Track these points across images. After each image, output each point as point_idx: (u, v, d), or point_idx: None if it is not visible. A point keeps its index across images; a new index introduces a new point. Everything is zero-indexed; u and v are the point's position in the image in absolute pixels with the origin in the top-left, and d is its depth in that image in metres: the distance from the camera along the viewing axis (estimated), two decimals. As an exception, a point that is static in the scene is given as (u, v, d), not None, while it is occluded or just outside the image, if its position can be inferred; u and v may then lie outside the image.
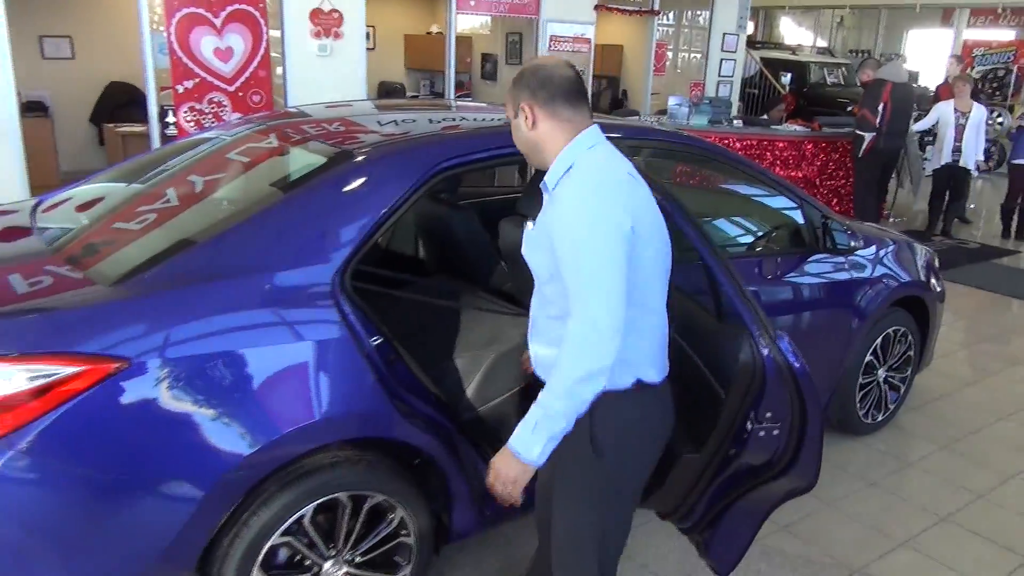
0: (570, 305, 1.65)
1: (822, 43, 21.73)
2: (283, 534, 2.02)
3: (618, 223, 1.64)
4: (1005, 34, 14.94)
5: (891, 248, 3.59)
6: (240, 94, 6.87)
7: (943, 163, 7.82)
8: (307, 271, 2.01)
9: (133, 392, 1.78)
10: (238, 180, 2.44)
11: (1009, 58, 12.75)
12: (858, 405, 3.63)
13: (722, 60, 10.32)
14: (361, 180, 2.14)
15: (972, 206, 9.32)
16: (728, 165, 3.11)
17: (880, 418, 3.79)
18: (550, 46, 8.66)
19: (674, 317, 1.87)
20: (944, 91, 9.25)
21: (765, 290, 3.03)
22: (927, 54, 19.57)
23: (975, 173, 8.00)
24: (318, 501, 2.05)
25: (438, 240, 3.28)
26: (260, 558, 1.99)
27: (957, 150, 7.74)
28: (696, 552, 2.31)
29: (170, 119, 6.73)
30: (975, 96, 8.33)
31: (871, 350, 3.56)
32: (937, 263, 3.97)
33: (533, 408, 1.69)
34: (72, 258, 2.13)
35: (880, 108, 7.10)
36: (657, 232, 1.75)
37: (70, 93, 8.91)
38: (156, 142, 6.70)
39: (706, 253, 2.01)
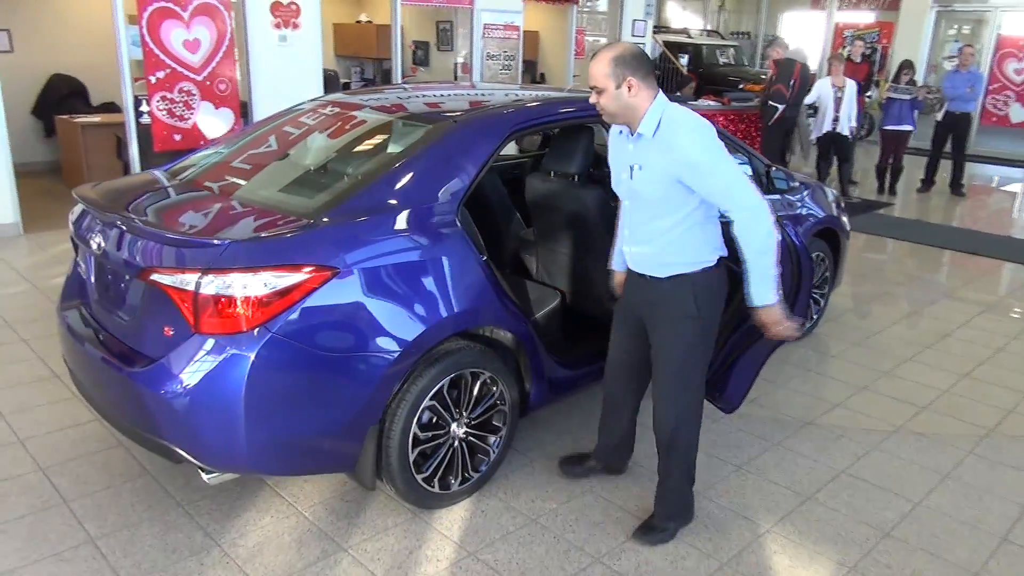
0: (724, 204, 2.44)
1: (707, 25, 23.19)
2: (430, 399, 2.77)
3: (721, 143, 2.46)
4: (866, 16, 16.76)
5: (812, 190, 4.62)
6: (208, 83, 7.30)
7: (824, 131, 9.10)
8: (442, 205, 2.76)
9: (342, 292, 2.50)
10: (366, 142, 3.14)
11: (875, 38, 14.41)
12: (792, 315, 4.65)
13: (633, 44, 11.36)
14: (470, 139, 2.90)
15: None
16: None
17: (807, 326, 4.84)
18: (484, 33, 9.42)
19: None
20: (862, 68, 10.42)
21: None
22: (800, 34, 21.45)
23: (850, 137, 9.30)
24: (451, 376, 2.81)
25: None
26: (416, 416, 2.74)
27: (836, 119, 9.02)
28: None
29: (144, 108, 7.09)
30: (871, 73, 9.63)
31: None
32: (843, 203, 5.05)
33: (752, 275, 2.49)
34: (266, 204, 2.81)
35: (791, 83, 8.29)
36: None
37: (11, 86, 8.93)
38: (132, 130, 7.05)
39: None
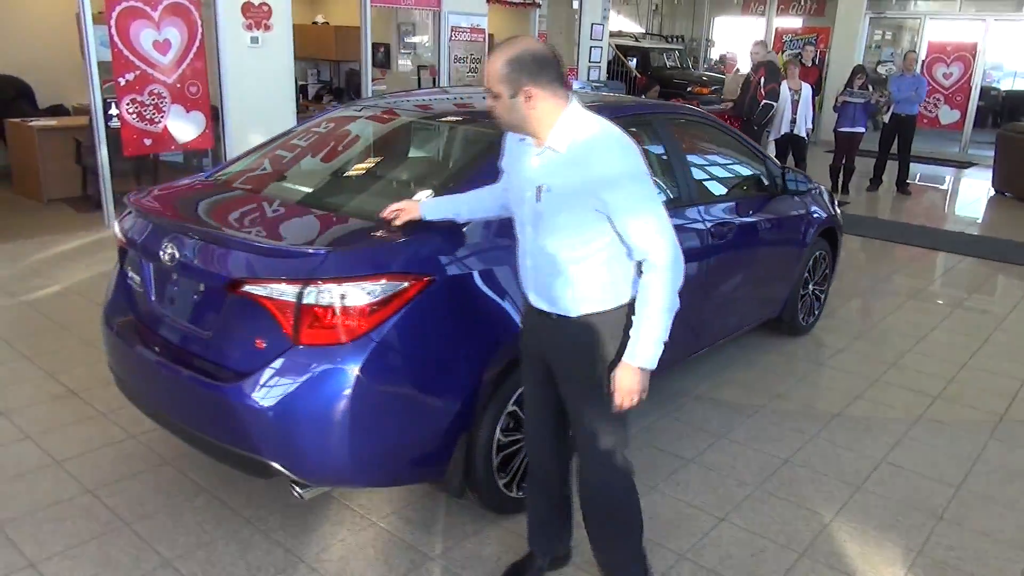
0: (640, 240, 2.01)
1: (639, 28, 23.58)
2: (513, 404, 2.76)
3: (647, 168, 2.06)
4: (794, 22, 17.45)
5: (816, 190, 4.80)
6: (178, 85, 7.05)
7: (782, 133, 9.43)
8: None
9: (439, 299, 2.48)
10: (437, 149, 3.10)
11: (812, 42, 14.99)
12: (799, 311, 4.82)
13: (591, 47, 11.52)
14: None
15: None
16: (717, 129, 4.14)
17: (811, 321, 5.02)
18: (451, 36, 9.39)
19: None
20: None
21: (748, 223, 4.05)
22: (731, 38, 22.26)
23: (806, 139, 9.66)
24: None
25: None
26: (502, 418, 2.73)
27: (793, 121, 9.35)
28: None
29: (113, 111, 6.78)
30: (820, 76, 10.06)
31: (807, 269, 4.76)
32: (836, 200, 5.25)
33: (644, 329, 2.05)
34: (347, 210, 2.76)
35: (780, 83, 8.60)
36: None
37: (-50, 88, 8.43)
38: (102, 134, 6.74)
39: None
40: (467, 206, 2.51)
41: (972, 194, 11.22)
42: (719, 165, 4.26)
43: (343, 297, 2.31)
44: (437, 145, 3.13)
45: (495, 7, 10.22)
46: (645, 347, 2.08)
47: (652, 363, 2.09)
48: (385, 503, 3.01)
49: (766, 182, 4.36)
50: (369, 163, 3.18)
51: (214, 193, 2.99)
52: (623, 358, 2.11)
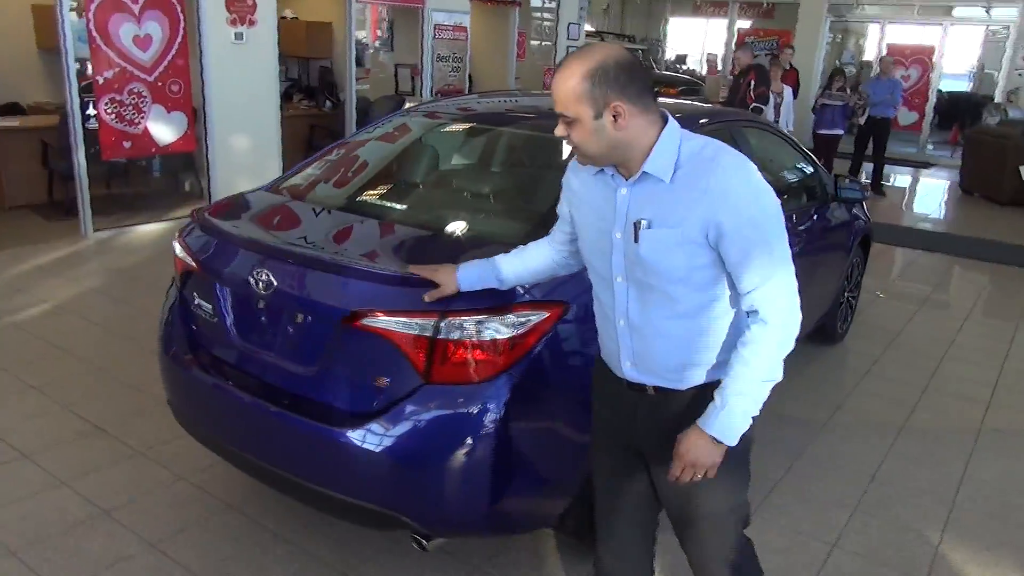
0: (754, 282, 1.62)
1: (589, 28, 23.51)
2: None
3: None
4: (742, 24, 17.72)
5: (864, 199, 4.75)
6: (160, 84, 6.61)
7: (764, 135, 9.48)
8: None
9: (570, 329, 2.26)
10: (537, 161, 2.87)
11: (775, 45, 15.18)
12: (837, 318, 4.77)
13: (568, 47, 11.36)
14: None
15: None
16: (778, 137, 4.03)
17: (845, 328, 4.98)
18: (435, 34, 9.11)
19: None
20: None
21: (805, 230, 3.95)
22: (684, 39, 22.57)
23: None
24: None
25: None
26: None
27: (775, 123, 9.42)
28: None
29: (90, 111, 6.30)
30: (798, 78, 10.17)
31: (845, 276, 4.71)
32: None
33: (735, 395, 1.64)
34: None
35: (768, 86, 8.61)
36: None
37: None
38: (79, 136, 6.25)
39: None
40: (512, 269, 2.04)
41: (940, 194, 11.51)
42: (782, 172, 4.16)
43: (483, 330, 2.09)
44: (545, 157, 2.89)
45: (476, 5, 9.98)
46: (731, 416, 1.65)
47: (733, 438, 1.67)
48: (482, 544, 2.78)
49: (820, 190, 4.28)
50: (490, 177, 2.92)
51: (302, 209, 2.71)
52: (698, 420, 1.69)
